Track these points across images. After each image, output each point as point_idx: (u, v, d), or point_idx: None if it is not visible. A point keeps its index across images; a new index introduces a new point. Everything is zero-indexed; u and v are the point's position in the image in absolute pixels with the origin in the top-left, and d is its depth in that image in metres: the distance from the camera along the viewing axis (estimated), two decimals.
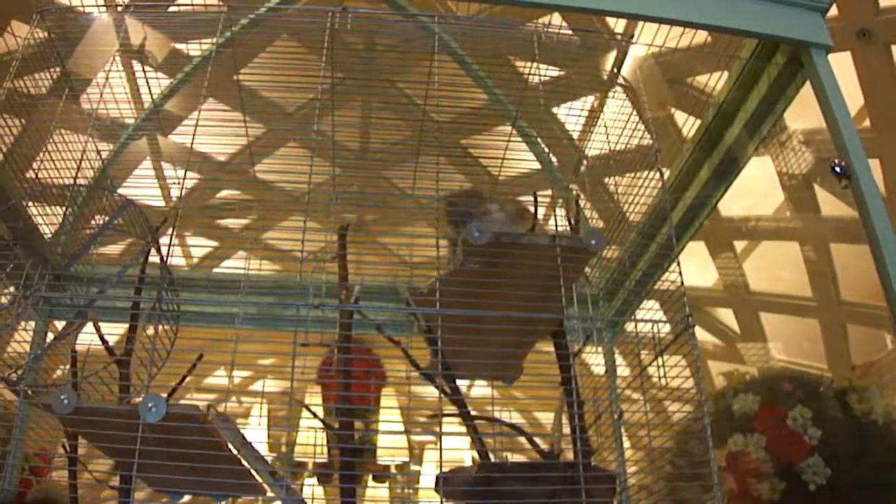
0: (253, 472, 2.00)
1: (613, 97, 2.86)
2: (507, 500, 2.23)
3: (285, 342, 2.42)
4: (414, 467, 6.68)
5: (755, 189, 4.97)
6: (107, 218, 2.67)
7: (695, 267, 5.71)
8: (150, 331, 2.47)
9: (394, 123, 4.61)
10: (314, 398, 5.49)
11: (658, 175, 2.43)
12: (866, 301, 5.14)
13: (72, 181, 2.90)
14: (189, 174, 5.23)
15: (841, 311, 5.21)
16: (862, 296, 5.16)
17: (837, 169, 2.26)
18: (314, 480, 6.05)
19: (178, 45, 4.11)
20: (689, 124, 4.21)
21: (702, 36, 2.76)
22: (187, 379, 2.62)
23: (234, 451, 2.02)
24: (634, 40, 4.67)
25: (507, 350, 2.61)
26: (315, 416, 2.63)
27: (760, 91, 2.53)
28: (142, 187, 4.67)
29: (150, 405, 1.96)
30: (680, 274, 2.34)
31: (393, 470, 6.36)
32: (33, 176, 2.97)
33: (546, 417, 2.84)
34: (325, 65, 3.01)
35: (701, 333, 6.21)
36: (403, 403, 6.02)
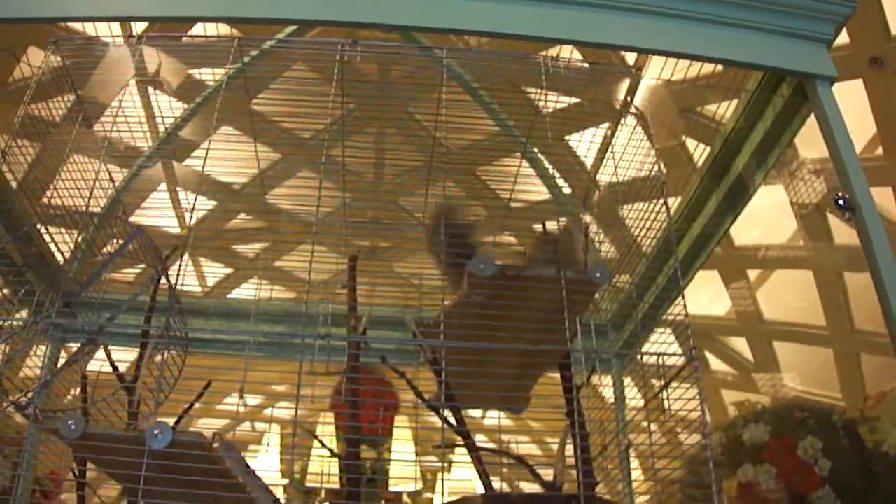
0: (258, 499, 2.01)
1: (623, 126, 2.88)
2: None
3: (292, 371, 2.45)
4: (427, 495, 6.65)
5: (768, 218, 4.96)
6: (118, 244, 2.69)
7: (708, 295, 5.70)
8: (159, 357, 2.50)
9: (406, 151, 4.64)
10: (327, 425, 5.49)
11: (664, 206, 2.44)
12: (881, 330, 5.10)
13: (84, 207, 2.94)
14: (203, 200, 5.31)
15: (855, 340, 5.17)
16: (876, 325, 5.12)
17: (841, 202, 2.25)
18: None
19: (192, 72, 4.16)
20: (699, 152, 4.22)
21: (709, 67, 2.78)
22: (198, 405, 2.64)
23: (238, 479, 2.03)
24: (643, 72, 4.71)
25: (514, 381, 2.61)
26: (322, 444, 2.64)
27: (766, 122, 2.53)
28: (155, 215, 4.73)
29: (155, 432, 1.97)
30: (685, 306, 2.34)
31: (405, 498, 6.33)
32: (46, 202, 3.01)
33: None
34: (333, 94, 3.04)
35: (714, 362, 6.19)
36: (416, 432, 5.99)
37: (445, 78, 2.79)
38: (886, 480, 3.15)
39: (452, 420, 2.39)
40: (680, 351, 2.30)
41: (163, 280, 2.79)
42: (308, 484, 5.58)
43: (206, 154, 2.75)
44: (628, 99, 2.91)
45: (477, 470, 2.37)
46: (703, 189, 2.77)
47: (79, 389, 2.70)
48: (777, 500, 3.30)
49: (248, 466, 2.01)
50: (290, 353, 3.09)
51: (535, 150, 3.73)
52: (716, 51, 2.48)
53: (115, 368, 2.79)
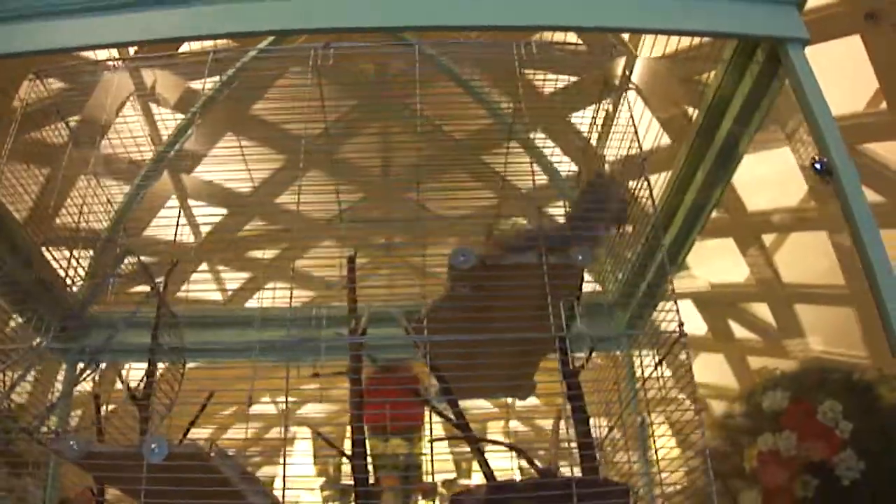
0: None
1: (607, 106, 2.87)
2: None
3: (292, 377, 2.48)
4: (462, 482, 6.68)
5: (777, 181, 4.91)
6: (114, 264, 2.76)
7: (726, 263, 5.66)
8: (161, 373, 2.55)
9: (406, 145, 4.66)
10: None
11: (647, 185, 2.43)
12: None
13: (84, 230, 3.01)
14: (210, 210, 5.38)
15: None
16: None
17: (818, 166, 2.22)
18: None
19: (191, 85, 4.21)
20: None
21: (689, 41, 2.76)
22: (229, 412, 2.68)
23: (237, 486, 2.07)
24: (638, 50, 4.69)
25: (514, 369, 2.62)
26: (330, 444, 2.68)
27: (744, 89, 2.51)
28: (165, 226, 4.79)
29: (153, 446, 2.03)
30: (671, 283, 2.34)
31: (440, 488, 6.36)
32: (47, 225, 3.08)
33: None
34: (325, 98, 3.07)
35: (738, 330, 6.14)
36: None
37: (432, 72, 2.80)
38: None
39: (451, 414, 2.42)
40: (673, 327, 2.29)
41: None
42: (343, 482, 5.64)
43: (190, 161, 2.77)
44: (611, 78, 2.90)
45: (478, 461, 2.39)
46: (692, 159, 2.76)
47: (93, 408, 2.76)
48: (799, 467, 3.28)
49: (244, 472, 2.05)
50: (298, 356, 3.12)
51: (533, 135, 3.72)
52: (684, 23, 2.45)
53: (127, 387, 2.85)
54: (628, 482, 2.82)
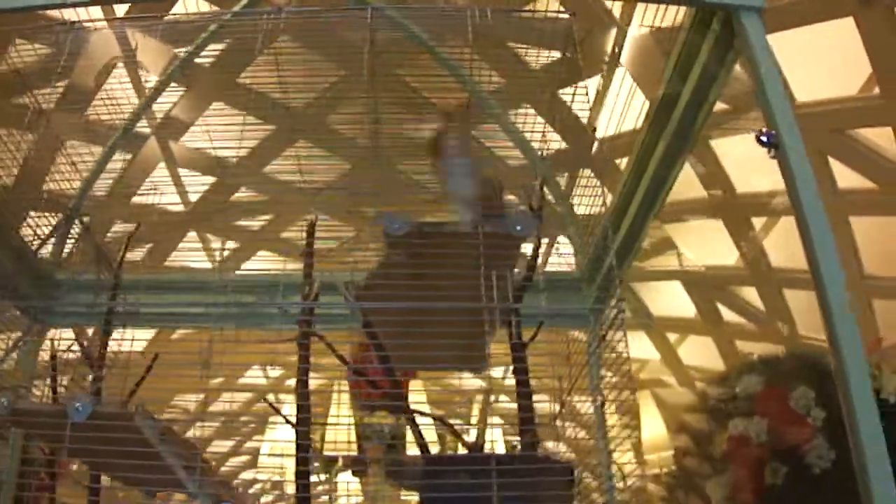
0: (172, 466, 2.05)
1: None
2: (450, 491, 2.23)
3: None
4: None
5: (771, 165, 4.84)
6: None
7: (717, 246, 5.61)
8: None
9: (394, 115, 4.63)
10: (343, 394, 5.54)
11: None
12: (892, 274, 4.98)
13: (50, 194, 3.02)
14: (201, 177, 5.38)
15: (865, 286, 5.05)
16: (887, 270, 5.00)
17: (764, 138, 2.15)
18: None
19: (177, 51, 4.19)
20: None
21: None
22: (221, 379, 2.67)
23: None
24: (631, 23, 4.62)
25: (465, 340, 2.59)
26: (277, 411, 2.69)
27: (701, 62, 2.43)
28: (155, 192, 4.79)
29: (76, 405, 2.03)
30: (613, 259, 2.30)
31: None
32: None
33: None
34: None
35: (726, 313, 6.10)
36: (433, 395, 6.05)
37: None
38: (887, 429, 3.07)
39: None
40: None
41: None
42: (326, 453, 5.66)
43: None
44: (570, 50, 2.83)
45: (414, 433, 2.39)
46: (651, 137, 2.69)
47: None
48: (769, 453, 3.25)
49: (164, 433, 2.06)
50: (260, 323, 3.11)
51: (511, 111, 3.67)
52: None
53: (82, 347, 2.86)
54: (583, 460, 2.82)
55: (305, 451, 2.55)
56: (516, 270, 2.53)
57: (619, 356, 2.32)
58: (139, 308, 2.58)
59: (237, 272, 4.76)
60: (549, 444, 2.65)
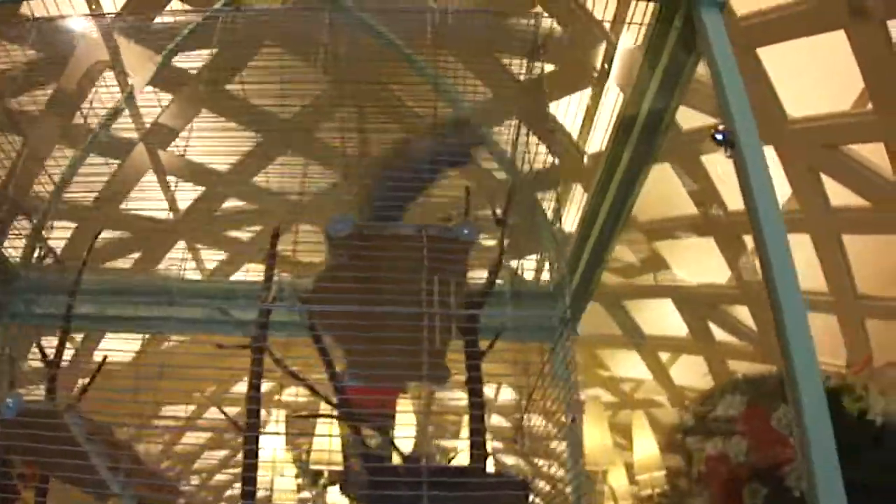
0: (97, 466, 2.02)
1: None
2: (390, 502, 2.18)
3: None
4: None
5: None
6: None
7: (711, 264, 5.54)
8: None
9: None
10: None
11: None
12: (886, 294, 4.90)
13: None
14: (190, 186, 5.35)
15: (859, 306, 4.96)
16: (881, 289, 4.92)
17: (719, 136, 2.07)
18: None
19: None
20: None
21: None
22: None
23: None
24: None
25: (418, 353, 2.53)
26: (227, 417, 2.62)
27: (664, 63, 2.37)
28: (142, 199, 4.78)
29: (8, 402, 2.02)
30: (565, 269, 2.24)
31: None
32: None
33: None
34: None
35: (718, 332, 6.01)
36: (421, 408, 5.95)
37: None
38: (873, 451, 2.99)
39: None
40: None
41: None
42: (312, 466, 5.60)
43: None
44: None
45: (354, 443, 2.33)
46: (617, 146, 2.63)
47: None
48: (748, 473, 3.19)
49: (92, 433, 2.03)
50: (215, 329, 3.06)
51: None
52: None
53: (40, 349, 2.83)
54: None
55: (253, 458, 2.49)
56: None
57: (567, 371, 2.25)
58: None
59: (200, 280, 4.72)
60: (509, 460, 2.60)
